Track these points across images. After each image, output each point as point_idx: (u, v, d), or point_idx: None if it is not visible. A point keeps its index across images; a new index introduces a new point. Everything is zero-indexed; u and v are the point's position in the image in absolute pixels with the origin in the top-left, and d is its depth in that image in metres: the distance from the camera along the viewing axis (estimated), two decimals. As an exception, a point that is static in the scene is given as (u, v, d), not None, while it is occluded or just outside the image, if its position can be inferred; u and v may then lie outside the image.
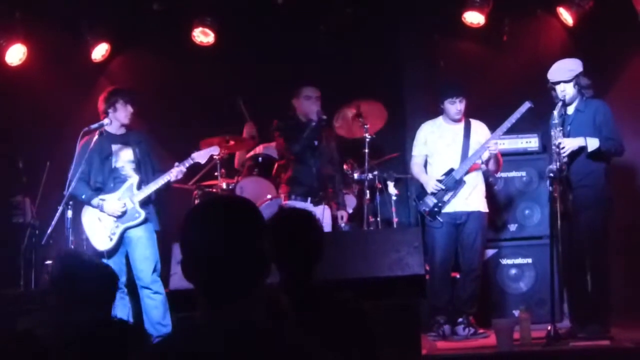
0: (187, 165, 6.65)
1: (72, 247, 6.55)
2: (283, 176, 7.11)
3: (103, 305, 3.53)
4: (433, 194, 6.69)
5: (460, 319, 6.68)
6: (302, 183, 6.97)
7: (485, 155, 6.65)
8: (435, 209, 6.69)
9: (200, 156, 6.79)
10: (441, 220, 6.66)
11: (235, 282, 2.01)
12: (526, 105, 6.54)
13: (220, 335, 1.94)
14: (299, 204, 6.74)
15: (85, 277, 3.47)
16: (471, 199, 6.72)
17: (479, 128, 6.89)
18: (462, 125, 6.85)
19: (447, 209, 6.69)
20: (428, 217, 6.71)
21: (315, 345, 2.03)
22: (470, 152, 6.73)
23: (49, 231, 6.34)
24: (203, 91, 8.54)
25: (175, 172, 6.58)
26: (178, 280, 5.59)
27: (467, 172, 6.70)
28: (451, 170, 6.70)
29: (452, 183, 6.67)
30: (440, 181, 6.68)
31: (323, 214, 6.67)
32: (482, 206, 6.79)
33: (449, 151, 6.79)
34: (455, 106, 6.75)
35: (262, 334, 1.97)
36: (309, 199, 6.92)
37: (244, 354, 1.91)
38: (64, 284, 3.51)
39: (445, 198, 6.67)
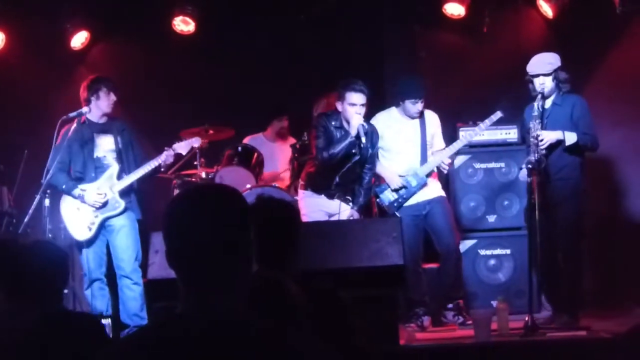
0: (173, 152, 6.68)
1: (50, 235, 6.53)
2: (307, 167, 6.83)
3: (52, 295, 3.18)
4: (395, 190, 6.70)
5: (450, 305, 6.69)
6: (319, 182, 6.63)
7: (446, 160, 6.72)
8: (395, 204, 6.69)
9: (181, 147, 6.81)
10: (399, 215, 6.60)
11: (220, 271, 1.98)
12: (497, 114, 6.63)
13: (203, 325, 1.91)
14: (311, 196, 6.63)
15: (26, 267, 3.12)
16: (429, 188, 6.73)
17: (432, 119, 6.87)
18: (417, 119, 6.80)
19: (409, 202, 6.69)
20: (387, 211, 6.72)
21: (313, 344, 1.99)
22: (428, 145, 6.75)
23: (26, 220, 6.32)
24: (183, 80, 8.48)
25: (164, 156, 6.60)
26: (156, 269, 5.55)
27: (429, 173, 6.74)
28: (414, 168, 6.72)
29: (415, 181, 6.67)
30: (403, 178, 6.68)
31: (340, 208, 6.53)
32: (440, 192, 6.82)
33: (408, 147, 6.76)
34: (417, 106, 6.69)
35: (245, 325, 1.94)
36: (322, 194, 6.63)
37: (226, 345, 1.89)
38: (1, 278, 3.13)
39: (406, 195, 6.68)
